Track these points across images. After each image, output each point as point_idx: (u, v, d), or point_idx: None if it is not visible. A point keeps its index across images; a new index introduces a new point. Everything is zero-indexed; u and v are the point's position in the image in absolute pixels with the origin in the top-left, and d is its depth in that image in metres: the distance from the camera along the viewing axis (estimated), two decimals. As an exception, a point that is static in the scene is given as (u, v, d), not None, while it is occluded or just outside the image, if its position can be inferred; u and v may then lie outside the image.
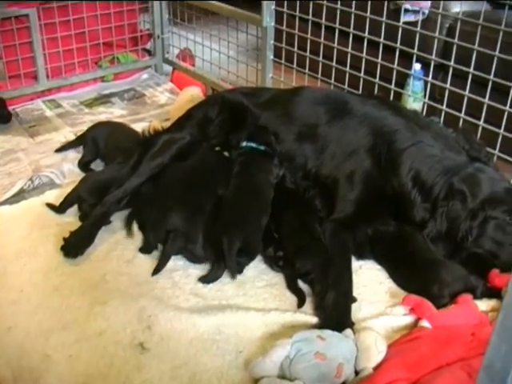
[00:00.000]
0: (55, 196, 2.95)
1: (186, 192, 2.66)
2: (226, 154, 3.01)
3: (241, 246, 2.42)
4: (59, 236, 2.63)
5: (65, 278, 2.45)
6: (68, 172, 3.28)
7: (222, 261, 2.45)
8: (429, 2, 3.57)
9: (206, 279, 2.44)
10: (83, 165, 3.31)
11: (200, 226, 2.52)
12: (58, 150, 3.52)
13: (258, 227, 2.55)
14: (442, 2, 3.09)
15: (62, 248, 2.56)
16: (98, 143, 3.33)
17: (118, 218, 2.80)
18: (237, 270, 2.47)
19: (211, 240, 2.49)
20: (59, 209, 2.83)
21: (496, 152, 2.85)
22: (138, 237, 2.70)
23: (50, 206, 2.86)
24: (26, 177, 3.23)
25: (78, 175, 3.14)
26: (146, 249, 2.60)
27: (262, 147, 2.86)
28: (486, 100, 2.85)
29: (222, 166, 2.86)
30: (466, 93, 2.93)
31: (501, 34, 2.76)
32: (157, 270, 2.47)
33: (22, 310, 2.29)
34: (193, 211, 2.56)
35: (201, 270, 2.52)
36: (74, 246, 2.57)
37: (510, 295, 0.92)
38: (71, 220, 2.79)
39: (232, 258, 2.40)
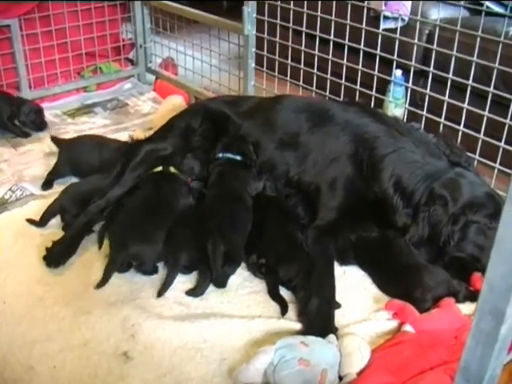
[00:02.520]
0: (39, 207, 2.94)
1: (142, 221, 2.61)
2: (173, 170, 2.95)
3: (225, 251, 2.42)
4: (43, 247, 2.63)
5: (48, 289, 2.45)
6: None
7: (208, 272, 2.45)
8: (408, 9, 3.60)
9: (193, 292, 2.44)
10: (47, 181, 3.27)
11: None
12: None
13: (240, 234, 2.56)
14: (420, 9, 3.11)
15: (45, 258, 2.56)
16: (73, 165, 3.28)
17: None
18: (220, 282, 2.47)
19: (197, 251, 2.49)
20: (41, 221, 2.82)
21: (476, 157, 2.87)
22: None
23: (31, 221, 2.85)
24: (6, 186, 3.23)
25: (61, 185, 3.13)
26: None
27: (238, 157, 2.88)
28: (466, 105, 2.88)
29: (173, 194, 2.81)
30: (446, 98, 2.95)
31: (478, 39, 2.79)
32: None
33: (5, 322, 2.28)
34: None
35: (185, 278, 2.52)
36: (56, 255, 2.57)
37: (483, 299, 0.94)
38: (55, 231, 2.78)
39: (217, 262, 2.40)
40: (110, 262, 2.46)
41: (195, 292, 2.43)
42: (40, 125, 3.94)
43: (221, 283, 2.47)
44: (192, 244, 2.52)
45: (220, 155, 2.91)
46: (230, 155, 2.89)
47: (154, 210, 2.65)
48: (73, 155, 3.29)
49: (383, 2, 3.53)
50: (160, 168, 2.90)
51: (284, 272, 2.42)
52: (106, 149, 3.27)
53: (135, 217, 2.61)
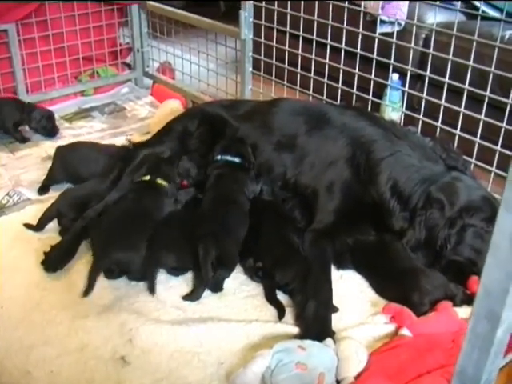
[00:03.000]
0: (36, 211, 2.93)
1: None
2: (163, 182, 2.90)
3: (217, 255, 2.42)
4: (40, 251, 2.62)
5: (46, 294, 2.44)
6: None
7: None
8: (405, 13, 3.61)
9: (190, 297, 2.43)
10: (43, 186, 3.26)
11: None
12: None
13: (234, 238, 2.55)
14: (416, 13, 3.12)
15: (42, 262, 2.56)
16: (67, 172, 3.25)
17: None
18: (216, 286, 2.47)
19: (192, 254, 2.48)
20: (38, 225, 2.82)
21: (473, 160, 2.88)
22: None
23: (28, 225, 2.84)
24: (4, 191, 3.22)
25: (58, 190, 3.13)
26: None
27: (237, 159, 2.88)
28: (462, 109, 2.88)
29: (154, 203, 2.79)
30: (443, 102, 2.96)
31: (474, 44, 2.80)
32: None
33: (2, 326, 2.27)
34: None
35: (182, 282, 2.52)
36: (54, 260, 2.57)
37: (479, 303, 0.94)
38: (52, 235, 2.78)
39: (206, 266, 2.39)
40: (92, 268, 2.44)
41: (191, 297, 2.43)
42: (52, 130, 3.94)
43: (216, 287, 2.47)
44: (175, 246, 2.53)
45: (218, 157, 2.91)
46: (228, 157, 2.89)
47: (135, 219, 2.63)
48: (67, 162, 3.27)
49: (380, 6, 3.54)
50: (148, 177, 2.85)
51: (280, 276, 2.42)
52: (100, 155, 3.26)
53: (117, 225, 2.60)
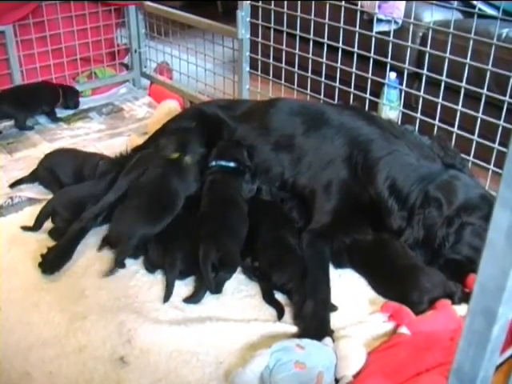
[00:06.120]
0: (34, 212, 2.91)
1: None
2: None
3: (219, 256, 2.41)
4: (38, 252, 2.61)
5: (44, 294, 2.44)
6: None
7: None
8: (402, 12, 3.61)
9: (191, 299, 2.43)
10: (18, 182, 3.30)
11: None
12: (12, 186, 3.30)
13: (235, 238, 2.54)
14: (413, 12, 3.12)
15: (40, 265, 2.55)
16: (57, 173, 3.20)
17: (96, 233, 2.79)
18: (216, 287, 2.45)
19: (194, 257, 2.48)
20: (35, 225, 2.81)
21: (470, 158, 2.88)
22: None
23: (25, 227, 2.83)
24: (6, 195, 3.20)
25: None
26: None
27: (232, 164, 2.86)
28: (459, 107, 2.88)
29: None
30: (440, 100, 2.96)
31: (471, 42, 2.80)
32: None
33: (0, 328, 2.27)
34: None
35: (180, 282, 2.51)
36: (51, 262, 2.56)
37: (475, 299, 0.94)
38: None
39: (207, 268, 2.39)
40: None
41: (193, 299, 2.42)
42: (78, 104, 4.36)
43: (216, 289, 2.45)
44: (187, 247, 2.52)
45: (213, 163, 2.88)
46: (223, 162, 2.87)
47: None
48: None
49: (377, 4, 3.53)
50: (177, 155, 2.91)
51: (277, 277, 2.42)
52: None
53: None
